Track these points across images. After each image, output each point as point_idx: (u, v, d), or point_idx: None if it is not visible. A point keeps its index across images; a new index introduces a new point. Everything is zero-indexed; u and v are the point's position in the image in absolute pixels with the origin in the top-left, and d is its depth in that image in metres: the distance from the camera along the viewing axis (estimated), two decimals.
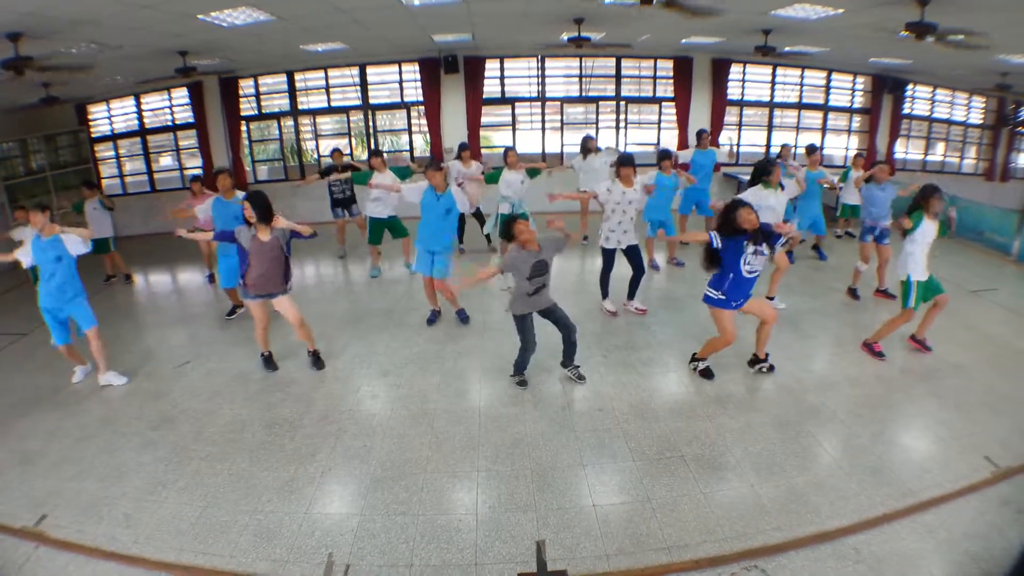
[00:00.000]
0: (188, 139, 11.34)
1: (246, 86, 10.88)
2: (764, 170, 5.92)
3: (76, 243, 4.90)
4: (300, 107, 11.19)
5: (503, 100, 11.24)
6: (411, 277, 7.82)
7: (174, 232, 5.33)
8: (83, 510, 3.61)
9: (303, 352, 5.48)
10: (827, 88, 11.73)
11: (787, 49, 9.14)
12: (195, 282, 8.35)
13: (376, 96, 11.22)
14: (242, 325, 6.43)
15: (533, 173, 7.54)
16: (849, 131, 12.08)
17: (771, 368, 5.06)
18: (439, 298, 6.29)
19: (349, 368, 5.35)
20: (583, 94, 11.44)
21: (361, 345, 5.76)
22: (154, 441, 4.33)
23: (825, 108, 11.87)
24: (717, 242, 4.49)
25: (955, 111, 12.70)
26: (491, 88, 10.97)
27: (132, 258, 8.92)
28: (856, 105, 11.98)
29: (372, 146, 11.33)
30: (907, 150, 12.60)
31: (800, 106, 11.82)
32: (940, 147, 13.05)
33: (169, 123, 11.28)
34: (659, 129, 11.60)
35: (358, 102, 11.14)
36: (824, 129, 11.97)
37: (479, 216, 8.53)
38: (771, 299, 6.36)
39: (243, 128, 11.08)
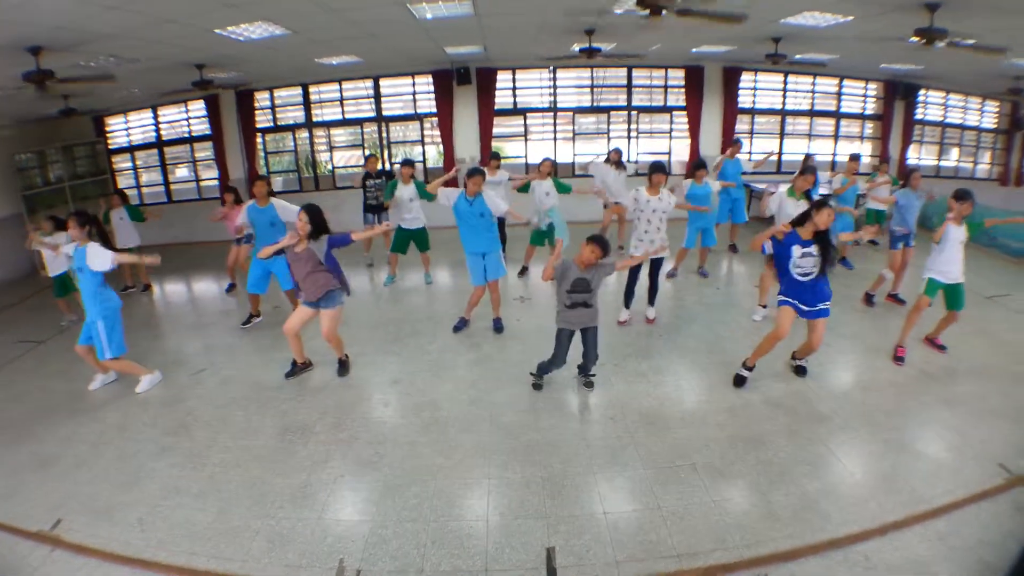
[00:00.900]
0: (204, 151, 11.52)
1: (262, 98, 11.04)
2: (803, 171, 5.95)
3: (99, 258, 4.86)
4: (315, 119, 11.33)
5: (515, 111, 11.32)
6: (426, 287, 7.90)
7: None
8: (98, 514, 3.67)
9: (316, 360, 5.54)
10: (839, 95, 11.69)
11: (798, 57, 9.13)
12: (212, 291, 8.47)
13: (389, 108, 11.34)
14: (257, 333, 6.52)
15: (561, 188, 7.51)
16: (862, 137, 12.01)
17: (800, 370, 5.09)
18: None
19: (362, 376, 5.39)
20: (595, 104, 11.49)
21: (375, 353, 5.81)
22: (169, 447, 4.39)
23: (837, 115, 11.83)
24: (768, 248, 4.61)
25: (968, 116, 12.58)
26: (503, 99, 11.06)
27: (149, 267, 9.06)
28: (868, 111, 11.93)
29: (388, 157, 11.44)
30: (920, 155, 12.51)
31: (812, 113, 11.79)
32: (954, 152, 12.93)
33: (186, 135, 11.46)
34: (671, 138, 11.61)
35: (372, 114, 11.27)
36: (836, 136, 11.93)
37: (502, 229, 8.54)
38: (763, 307, 6.38)
39: (258, 140, 11.25)
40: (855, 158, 7.64)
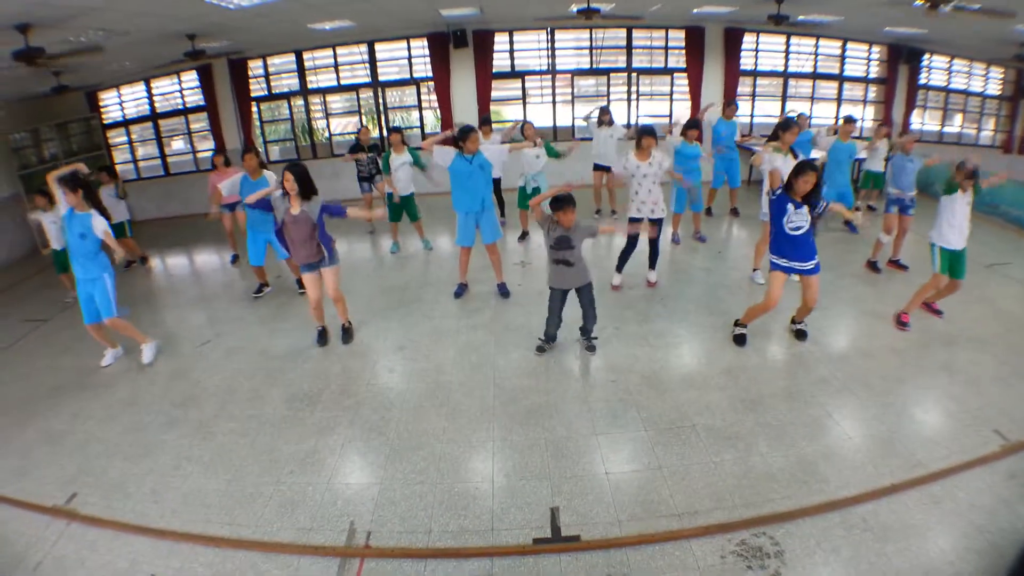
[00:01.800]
0: (199, 122, 11.37)
1: (255, 67, 10.86)
2: (784, 126, 5.89)
3: (101, 226, 4.96)
4: (310, 86, 11.16)
5: (513, 74, 11.14)
6: (427, 254, 7.91)
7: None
8: (111, 487, 3.75)
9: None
10: (842, 58, 11.49)
11: (801, 18, 8.97)
12: (213, 263, 8.47)
13: (385, 73, 11.17)
14: (260, 304, 6.55)
15: (552, 152, 7.48)
16: (865, 101, 11.86)
17: (800, 333, 5.14)
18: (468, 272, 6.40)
19: (366, 343, 5.44)
20: (594, 66, 11.31)
21: (378, 320, 5.85)
22: (178, 419, 4.46)
23: (840, 78, 11.65)
24: (765, 207, 4.67)
25: (972, 82, 12.38)
26: (501, 62, 10.87)
27: (148, 241, 9.06)
28: (872, 75, 11.75)
29: (386, 123, 11.33)
30: (923, 121, 12.37)
31: (815, 76, 11.61)
32: (957, 118, 12.77)
33: (180, 107, 11.30)
34: (671, 100, 11.46)
35: (367, 79, 11.10)
36: (839, 99, 11.77)
37: (498, 193, 8.54)
38: (755, 270, 6.41)
39: (254, 109, 11.10)
40: (850, 120, 7.54)
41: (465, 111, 10.86)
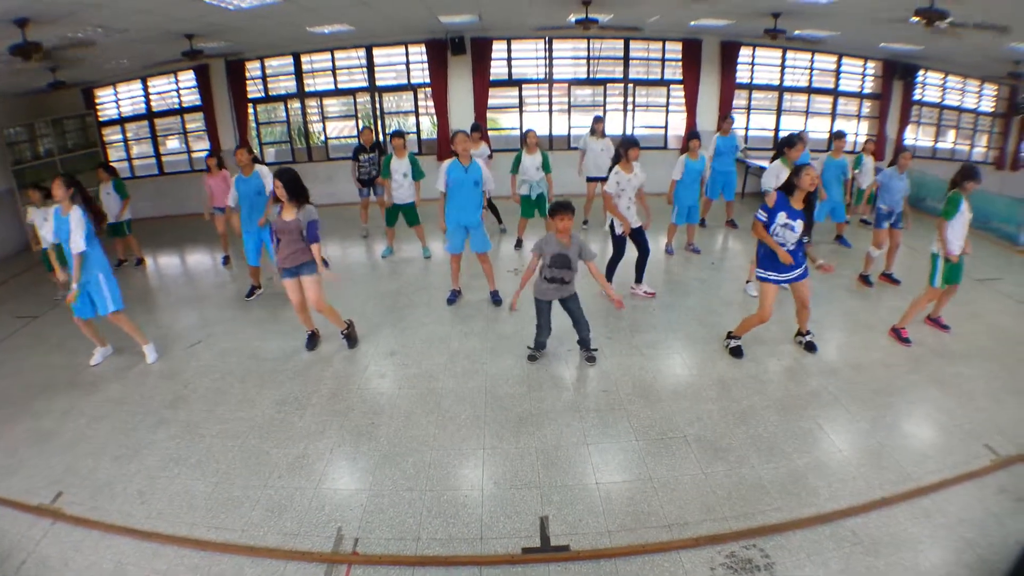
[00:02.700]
0: (195, 122, 11.36)
1: (253, 68, 10.86)
2: (789, 143, 5.92)
3: (75, 232, 4.77)
4: (307, 89, 11.17)
5: (510, 82, 11.17)
6: (420, 260, 7.89)
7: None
8: (98, 487, 3.70)
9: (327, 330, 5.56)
10: (837, 73, 11.61)
11: (797, 33, 9.05)
12: (205, 263, 8.43)
13: (383, 78, 11.19)
14: (252, 306, 6.52)
15: (547, 167, 7.57)
16: (859, 116, 11.97)
17: (810, 345, 5.14)
18: (462, 278, 6.40)
19: (357, 348, 5.42)
20: (591, 76, 11.36)
21: (369, 325, 5.83)
22: (167, 419, 4.42)
23: (835, 93, 11.76)
24: (762, 215, 4.63)
25: (966, 98, 12.54)
26: (498, 70, 10.91)
27: (142, 240, 9.00)
28: (866, 90, 11.86)
29: (383, 127, 11.33)
30: (917, 137, 12.49)
31: (810, 90, 11.72)
32: (951, 134, 12.92)
33: (176, 106, 11.28)
34: (667, 112, 11.53)
35: (365, 84, 11.12)
36: (834, 114, 11.87)
37: (492, 205, 8.57)
38: (748, 282, 6.43)
39: (250, 110, 11.08)
40: (840, 136, 7.60)
41: (462, 118, 10.88)
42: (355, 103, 11.39)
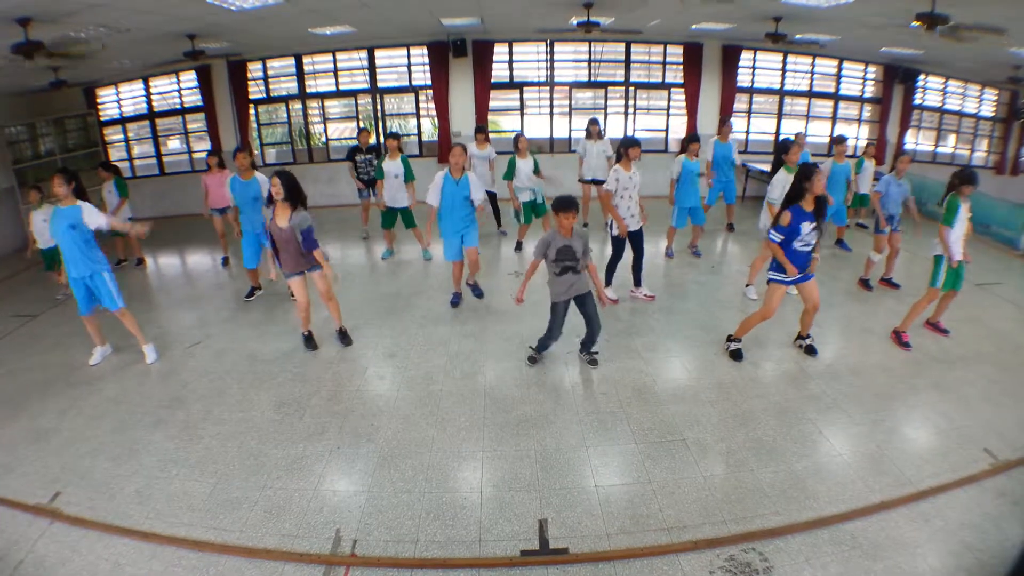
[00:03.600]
0: (196, 122, 11.37)
1: (254, 69, 10.87)
2: (784, 148, 5.92)
3: (94, 216, 4.89)
4: (308, 90, 11.19)
5: (512, 84, 11.20)
6: (420, 261, 7.90)
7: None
8: (96, 487, 3.70)
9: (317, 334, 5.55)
10: (838, 77, 11.63)
11: (798, 37, 9.06)
12: (205, 264, 8.43)
13: (384, 80, 11.21)
14: (251, 307, 6.51)
15: (535, 167, 7.64)
16: (860, 120, 11.98)
17: (810, 349, 5.13)
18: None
19: (357, 349, 5.41)
20: (592, 79, 11.38)
21: (369, 327, 5.83)
22: (165, 419, 4.41)
23: (836, 97, 11.78)
24: (777, 237, 4.58)
25: (967, 103, 12.56)
26: (500, 72, 10.93)
27: (142, 240, 8.99)
28: (867, 95, 11.88)
29: (383, 129, 11.35)
30: (917, 141, 12.50)
31: (810, 94, 11.73)
32: (951, 139, 12.93)
33: (177, 106, 11.30)
34: (668, 115, 11.55)
35: (366, 85, 11.14)
36: (835, 118, 11.89)
37: (494, 202, 8.60)
38: (748, 286, 6.43)
39: (251, 111, 11.10)
40: (840, 140, 7.60)
41: (463, 120, 10.90)
42: (356, 105, 11.41)
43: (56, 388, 4.93)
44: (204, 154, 10.56)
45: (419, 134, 11.65)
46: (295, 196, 4.81)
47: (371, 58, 10.87)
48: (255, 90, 11.06)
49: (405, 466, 3.79)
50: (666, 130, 11.64)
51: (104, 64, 8.77)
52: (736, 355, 5.05)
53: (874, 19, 7.26)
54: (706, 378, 4.81)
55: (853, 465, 3.75)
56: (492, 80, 10.81)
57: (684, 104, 11.19)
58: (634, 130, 11.62)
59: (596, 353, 5.04)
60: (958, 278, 5.13)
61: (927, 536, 3.16)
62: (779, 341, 5.35)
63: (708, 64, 10.90)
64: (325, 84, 11.24)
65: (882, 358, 5.12)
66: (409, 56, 10.86)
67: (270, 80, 11.12)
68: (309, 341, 5.43)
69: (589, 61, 11.19)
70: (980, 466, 3.72)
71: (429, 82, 10.85)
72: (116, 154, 11.44)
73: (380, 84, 11.16)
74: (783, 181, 6.03)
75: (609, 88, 11.38)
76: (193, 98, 11.08)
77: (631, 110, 11.51)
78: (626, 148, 5.73)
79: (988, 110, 12.76)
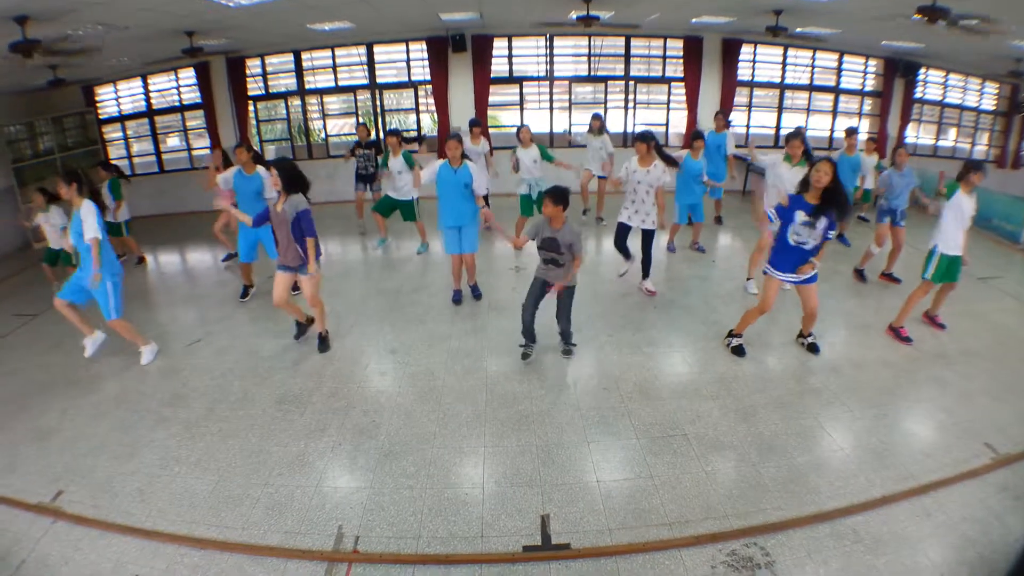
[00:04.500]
0: (195, 119, 11.33)
1: (253, 66, 10.83)
2: (792, 136, 5.91)
3: (90, 223, 4.77)
4: (307, 87, 11.15)
5: (511, 79, 11.16)
6: (420, 256, 7.89)
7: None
8: (98, 486, 3.70)
9: (312, 331, 5.54)
10: (839, 70, 11.58)
11: (798, 30, 9.03)
12: (205, 262, 8.42)
13: (383, 75, 11.17)
14: (251, 304, 6.51)
15: (547, 156, 7.59)
16: (860, 114, 11.94)
17: (812, 347, 5.11)
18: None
19: (358, 346, 5.41)
20: (592, 73, 11.34)
21: (370, 323, 5.83)
22: (166, 418, 4.41)
23: (836, 90, 11.74)
24: (775, 216, 4.57)
25: (968, 97, 12.51)
26: (499, 67, 10.90)
27: (141, 238, 8.98)
28: (868, 88, 11.84)
29: (383, 125, 11.34)
30: (918, 135, 12.47)
31: (811, 88, 11.69)
32: (952, 132, 12.89)
33: (176, 103, 11.25)
34: (668, 109, 11.52)
35: (365, 81, 11.10)
36: (835, 112, 11.85)
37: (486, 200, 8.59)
38: (748, 280, 6.43)
39: (250, 108, 11.06)
40: (852, 132, 7.58)
41: (462, 115, 10.87)
42: (355, 100, 11.37)
43: (57, 387, 4.94)
44: (206, 151, 10.62)
45: (419, 129, 11.63)
46: (295, 185, 4.81)
47: (370, 54, 10.84)
48: (254, 87, 11.01)
49: (407, 462, 3.79)
50: (666, 124, 11.60)
51: (103, 62, 8.73)
52: (738, 351, 5.04)
53: (875, 12, 7.22)
54: (707, 373, 4.81)
55: (854, 459, 3.75)
56: (492, 75, 10.78)
57: (684, 98, 11.15)
58: (634, 125, 11.59)
59: (573, 345, 5.05)
60: (953, 270, 5.11)
61: (929, 530, 3.17)
62: (781, 336, 5.35)
63: (708, 58, 10.87)
64: (324, 80, 11.20)
65: (883, 352, 5.12)
66: (408, 51, 10.83)
67: (269, 76, 11.08)
68: (300, 329, 5.49)
69: (589, 55, 11.15)
70: (981, 460, 3.72)
71: (428, 77, 10.82)
72: (115, 152, 11.41)
73: (379, 80, 11.12)
74: (775, 163, 5.99)
75: (609, 82, 11.34)
76: (192, 95, 11.04)
77: (631, 104, 11.47)
78: (634, 142, 5.77)
79: (989, 104, 12.71)
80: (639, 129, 11.45)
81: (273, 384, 4.81)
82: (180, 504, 3.51)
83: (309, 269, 4.95)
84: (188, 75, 10.82)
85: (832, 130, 11.85)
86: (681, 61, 10.97)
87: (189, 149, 11.59)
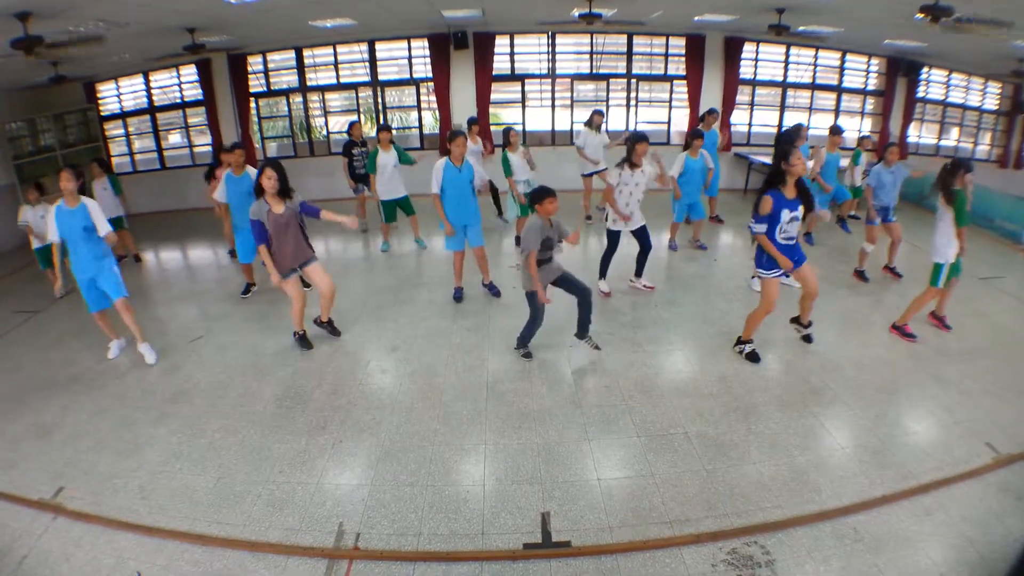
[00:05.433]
0: (197, 116, 11.32)
1: (255, 63, 10.82)
2: (788, 139, 5.86)
3: (101, 220, 4.88)
4: (309, 83, 11.14)
5: (513, 77, 11.14)
6: (420, 252, 7.91)
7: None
8: (99, 482, 3.71)
9: (312, 329, 5.54)
10: (841, 69, 11.54)
11: (801, 29, 9.00)
12: (206, 258, 8.43)
13: (385, 72, 11.16)
14: (252, 301, 6.52)
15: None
16: (863, 113, 11.91)
17: (807, 338, 5.12)
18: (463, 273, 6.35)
19: (359, 343, 5.42)
20: (594, 71, 11.32)
21: (370, 320, 5.83)
22: (168, 414, 4.42)
23: (839, 89, 11.70)
24: (759, 228, 4.55)
25: (970, 96, 12.48)
26: (501, 64, 10.87)
27: (143, 235, 9.00)
28: (870, 87, 11.81)
29: (381, 122, 11.33)
30: (920, 134, 12.44)
31: (813, 87, 11.67)
32: (954, 132, 12.86)
33: (178, 100, 11.25)
34: (670, 107, 11.49)
35: (367, 78, 11.09)
36: (837, 111, 11.82)
37: (494, 191, 8.61)
38: (753, 277, 6.40)
39: (252, 105, 11.06)
40: (837, 131, 7.57)
41: (464, 113, 10.85)
42: (357, 97, 11.36)
43: (59, 384, 4.94)
44: (208, 148, 10.62)
45: (420, 126, 11.62)
46: (287, 189, 4.77)
47: (372, 51, 10.82)
48: (256, 83, 11.01)
49: (408, 459, 3.80)
50: (668, 122, 11.58)
51: (104, 58, 8.74)
52: (752, 357, 4.94)
53: (877, 11, 7.21)
54: (709, 371, 4.81)
55: (855, 458, 3.75)
56: (493, 72, 10.75)
57: (686, 96, 11.14)
58: (636, 122, 11.57)
59: (590, 336, 5.00)
60: (956, 266, 5.09)
61: (929, 530, 3.17)
62: (782, 335, 5.34)
63: (710, 56, 10.83)
64: (326, 77, 11.18)
65: (884, 351, 5.12)
66: (410, 48, 10.81)
67: (271, 73, 11.07)
68: (303, 341, 5.35)
69: (591, 53, 11.11)
70: (982, 460, 3.72)
71: (430, 75, 10.80)
72: (117, 149, 11.43)
73: (381, 77, 11.11)
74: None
75: (611, 80, 11.31)
76: (193, 92, 11.03)
77: (633, 102, 11.45)
78: (633, 144, 5.64)
79: (991, 103, 12.68)
80: (639, 128, 11.49)
81: (274, 381, 4.82)
82: (181, 500, 3.52)
83: (333, 217, 4.77)
84: (190, 71, 10.81)
85: (831, 127, 11.80)
86: (683, 59, 10.93)
87: (191, 145, 11.58)
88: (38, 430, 4.29)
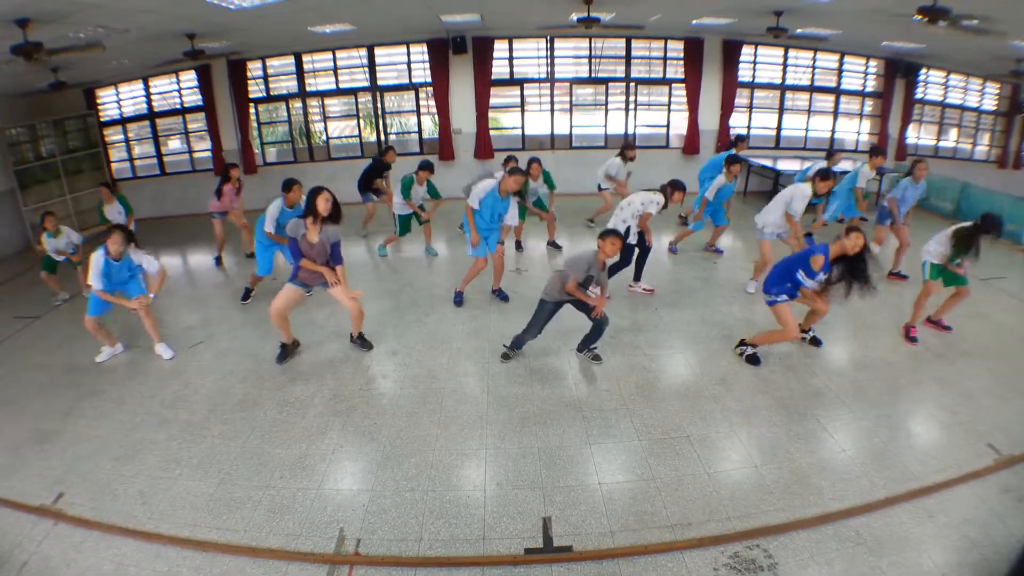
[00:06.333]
0: (197, 122, 11.34)
1: (254, 68, 10.85)
2: (823, 175, 5.89)
3: (151, 261, 5.34)
4: (308, 89, 11.17)
5: (512, 81, 11.17)
6: (421, 259, 7.91)
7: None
8: (99, 488, 3.70)
9: (314, 334, 5.54)
10: (839, 71, 11.58)
11: (799, 31, 9.03)
12: (206, 264, 8.42)
13: (384, 77, 11.19)
14: (252, 306, 6.51)
15: (550, 184, 7.62)
16: (861, 115, 11.94)
17: (815, 340, 5.19)
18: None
19: (359, 348, 5.41)
20: (593, 75, 11.35)
21: (371, 325, 5.81)
22: (168, 420, 4.41)
23: (837, 91, 11.73)
24: (809, 281, 4.61)
25: (968, 97, 12.50)
26: (500, 69, 10.90)
27: (143, 240, 8.89)
28: (868, 89, 11.83)
29: (383, 127, 11.36)
30: (919, 135, 12.46)
31: (812, 89, 11.69)
32: (953, 133, 12.89)
33: (178, 106, 11.27)
34: (669, 111, 11.51)
35: (366, 83, 11.12)
36: (836, 113, 11.84)
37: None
38: (751, 280, 6.47)
39: (252, 110, 11.08)
40: (878, 152, 7.59)
41: (463, 117, 10.90)
42: (356, 103, 11.38)
43: (59, 389, 4.94)
44: (208, 154, 10.64)
45: (419, 131, 11.64)
46: (338, 215, 4.73)
47: (371, 56, 10.85)
48: (255, 89, 11.03)
49: (408, 464, 3.79)
50: (667, 126, 11.60)
51: (104, 64, 8.75)
52: (753, 360, 4.95)
53: (875, 13, 7.22)
54: (710, 374, 4.80)
55: (857, 461, 3.74)
56: (492, 77, 10.78)
57: (685, 99, 11.15)
58: (635, 126, 11.59)
59: (596, 348, 5.02)
60: (946, 275, 5.18)
61: (932, 532, 3.16)
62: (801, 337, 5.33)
63: (709, 59, 10.87)
64: (325, 82, 11.21)
65: (886, 353, 5.11)
66: (409, 54, 10.84)
67: (270, 79, 11.09)
68: (284, 351, 5.24)
69: (590, 57, 11.15)
70: (984, 461, 3.71)
71: (429, 79, 10.83)
72: (117, 155, 11.43)
73: (380, 82, 11.14)
74: (803, 192, 5.91)
75: (610, 84, 11.34)
76: (193, 98, 11.05)
77: (632, 106, 11.47)
78: (671, 190, 5.93)
79: (990, 104, 12.71)
80: (638, 132, 11.52)
81: (274, 386, 4.81)
82: (181, 506, 3.51)
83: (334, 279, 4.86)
84: (189, 77, 10.84)
85: (833, 131, 11.86)
86: (682, 62, 10.96)
87: (190, 151, 11.60)
88: (38, 436, 4.28)
